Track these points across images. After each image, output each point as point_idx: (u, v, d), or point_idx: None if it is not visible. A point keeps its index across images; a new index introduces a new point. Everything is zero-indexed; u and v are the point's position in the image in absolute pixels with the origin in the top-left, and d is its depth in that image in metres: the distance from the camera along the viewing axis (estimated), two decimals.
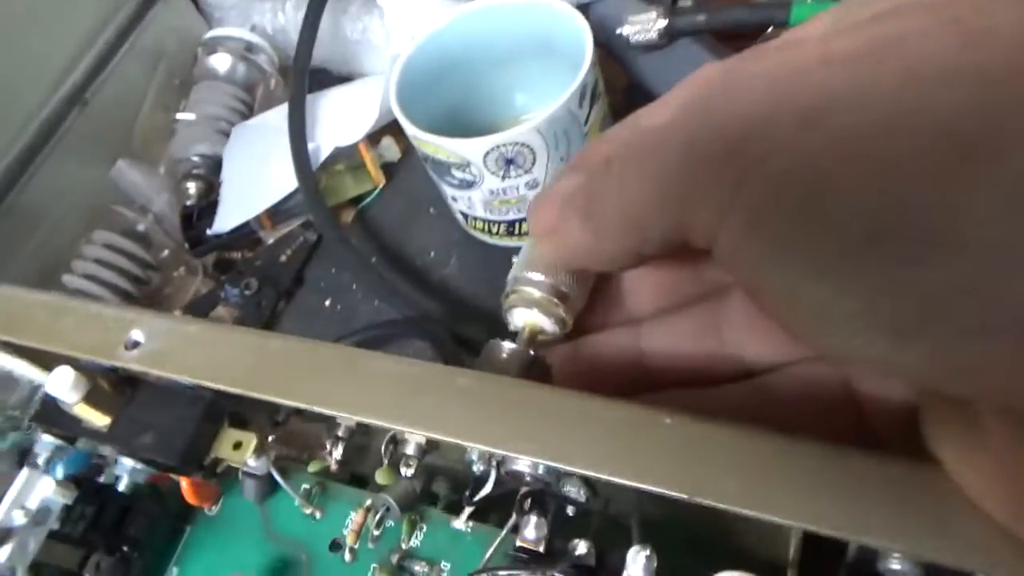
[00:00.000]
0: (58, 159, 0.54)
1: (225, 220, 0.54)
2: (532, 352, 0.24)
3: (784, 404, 0.24)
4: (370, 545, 0.34)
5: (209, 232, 0.54)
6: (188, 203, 0.57)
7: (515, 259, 0.26)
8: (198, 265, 0.57)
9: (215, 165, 0.58)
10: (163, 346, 0.24)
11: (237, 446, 0.28)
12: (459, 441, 0.19)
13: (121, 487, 0.29)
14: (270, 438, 0.30)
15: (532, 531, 0.26)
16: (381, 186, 0.57)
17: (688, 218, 0.18)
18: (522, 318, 0.25)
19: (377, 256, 0.55)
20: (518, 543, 0.27)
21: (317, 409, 0.21)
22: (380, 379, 0.21)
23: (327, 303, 0.55)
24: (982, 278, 0.13)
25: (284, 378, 0.22)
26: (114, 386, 0.26)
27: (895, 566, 0.19)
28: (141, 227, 0.56)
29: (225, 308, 0.54)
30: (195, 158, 0.58)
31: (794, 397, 0.24)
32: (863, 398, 0.23)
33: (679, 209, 0.18)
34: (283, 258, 0.55)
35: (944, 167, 0.13)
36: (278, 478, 0.31)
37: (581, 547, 0.25)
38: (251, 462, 0.28)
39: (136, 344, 0.24)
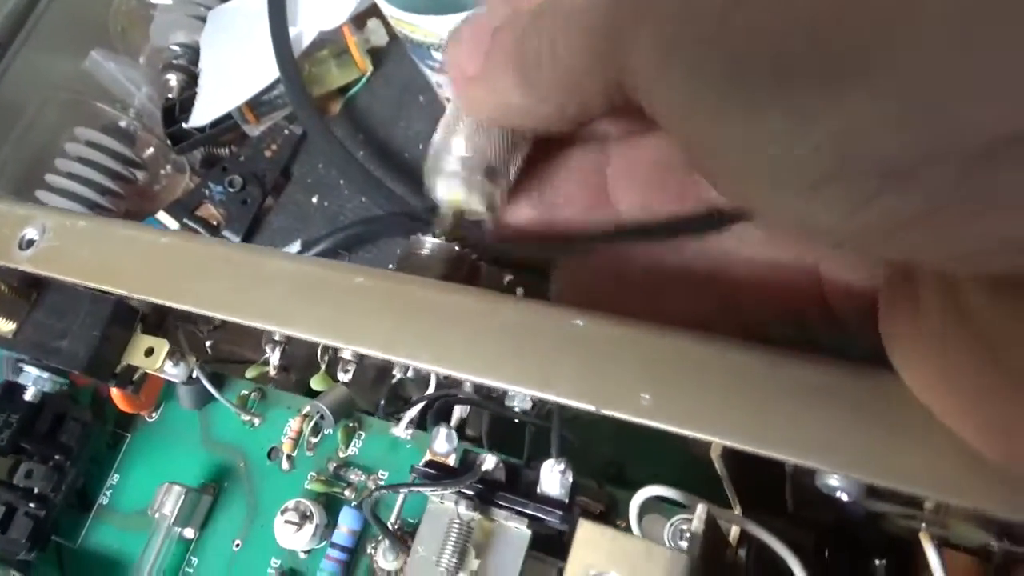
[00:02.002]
0: (30, 51, 0.51)
1: (203, 113, 0.51)
2: (457, 247, 0.21)
3: (747, 285, 0.21)
4: (308, 453, 0.33)
5: (186, 126, 0.51)
6: (169, 96, 0.54)
7: (440, 121, 0.23)
8: (184, 162, 0.55)
9: (197, 54, 0.55)
10: (58, 244, 0.22)
11: (149, 352, 0.26)
12: (344, 344, 0.17)
13: (28, 396, 0.28)
14: (207, 344, 0.28)
15: (442, 443, 0.24)
16: (368, 74, 0.54)
17: (622, 64, 0.15)
18: (446, 194, 0.22)
19: (364, 149, 0.52)
20: (427, 456, 0.25)
21: (201, 311, 0.19)
22: (275, 278, 0.19)
23: (314, 200, 0.52)
24: (910, 107, 0.11)
25: (174, 278, 0.20)
26: (16, 289, 0.24)
27: (834, 482, 0.17)
28: (123, 123, 0.54)
29: (210, 206, 0.53)
30: (174, 47, 0.55)
31: (758, 280, 0.21)
32: (826, 284, 0.20)
33: (614, 59, 0.16)
34: (268, 153, 0.53)
35: None
36: (208, 385, 0.30)
37: (489, 461, 0.23)
38: (169, 368, 0.27)
39: (31, 243, 0.22)
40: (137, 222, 0.23)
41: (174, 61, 0.54)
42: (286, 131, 0.53)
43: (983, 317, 0.13)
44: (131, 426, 0.36)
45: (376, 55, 0.54)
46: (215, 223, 0.52)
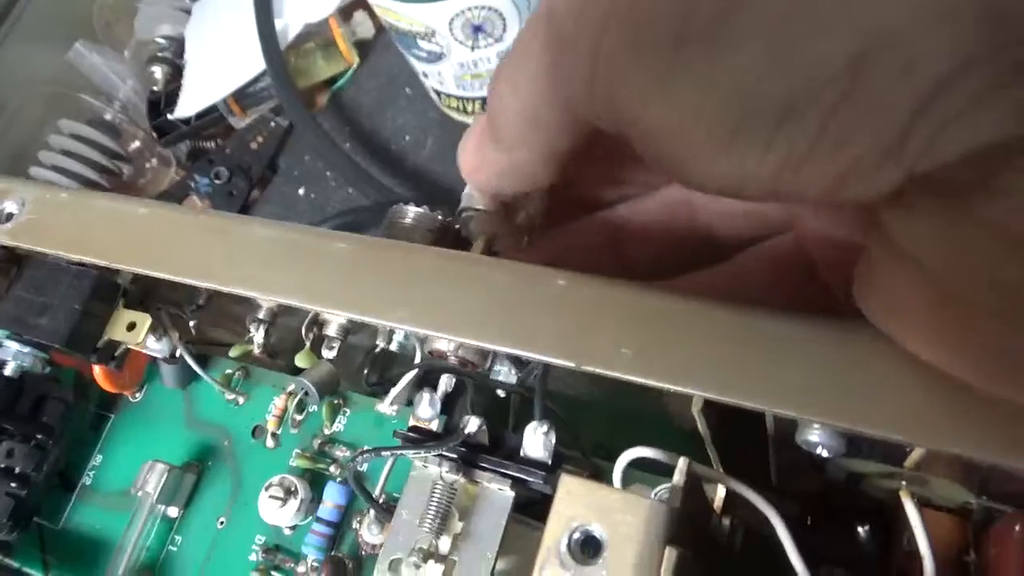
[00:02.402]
0: (14, 43, 0.51)
1: (187, 105, 0.51)
2: (441, 216, 0.21)
3: (753, 284, 0.22)
4: (293, 431, 0.33)
5: (171, 117, 0.51)
6: (155, 88, 0.54)
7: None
8: (170, 155, 0.55)
9: (182, 47, 0.55)
10: (37, 217, 0.22)
11: (131, 327, 0.26)
12: (322, 308, 0.17)
13: (8, 371, 0.28)
14: (191, 323, 0.28)
15: (426, 409, 0.24)
16: (355, 66, 0.54)
17: (574, 85, 0.17)
18: (478, 229, 0.23)
19: (351, 141, 0.52)
20: (411, 422, 0.25)
21: (180, 279, 0.19)
22: (254, 245, 0.19)
23: (301, 191, 0.52)
24: (772, 55, 0.12)
25: (153, 247, 0.20)
26: None
27: (813, 437, 0.17)
28: (108, 116, 0.53)
29: (196, 199, 0.52)
30: (160, 40, 0.55)
31: (763, 276, 0.22)
32: (815, 257, 0.21)
33: (565, 87, 0.17)
34: (254, 145, 0.53)
35: None
36: (191, 362, 0.29)
37: (472, 424, 0.23)
38: (152, 344, 0.27)
39: (10, 216, 0.22)
40: (117, 194, 0.23)
41: (159, 54, 0.54)
42: (272, 123, 0.53)
43: (903, 241, 0.14)
44: (114, 407, 0.36)
45: (362, 47, 0.54)
46: None
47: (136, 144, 0.55)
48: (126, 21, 0.55)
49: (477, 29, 0.42)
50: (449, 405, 0.27)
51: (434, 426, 0.24)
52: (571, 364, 0.16)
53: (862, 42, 0.12)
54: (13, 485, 0.30)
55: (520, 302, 0.17)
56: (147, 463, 0.31)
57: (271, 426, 0.32)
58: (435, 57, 0.45)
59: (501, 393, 0.26)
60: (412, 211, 0.21)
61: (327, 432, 0.32)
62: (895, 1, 0.11)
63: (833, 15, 0.12)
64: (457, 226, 0.22)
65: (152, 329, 0.26)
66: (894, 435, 0.14)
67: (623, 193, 0.25)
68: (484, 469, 0.22)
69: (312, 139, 0.49)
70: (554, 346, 0.16)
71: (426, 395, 0.24)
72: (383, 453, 0.24)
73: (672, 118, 0.14)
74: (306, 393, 0.29)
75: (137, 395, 0.35)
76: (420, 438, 0.24)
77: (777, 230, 0.23)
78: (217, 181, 0.51)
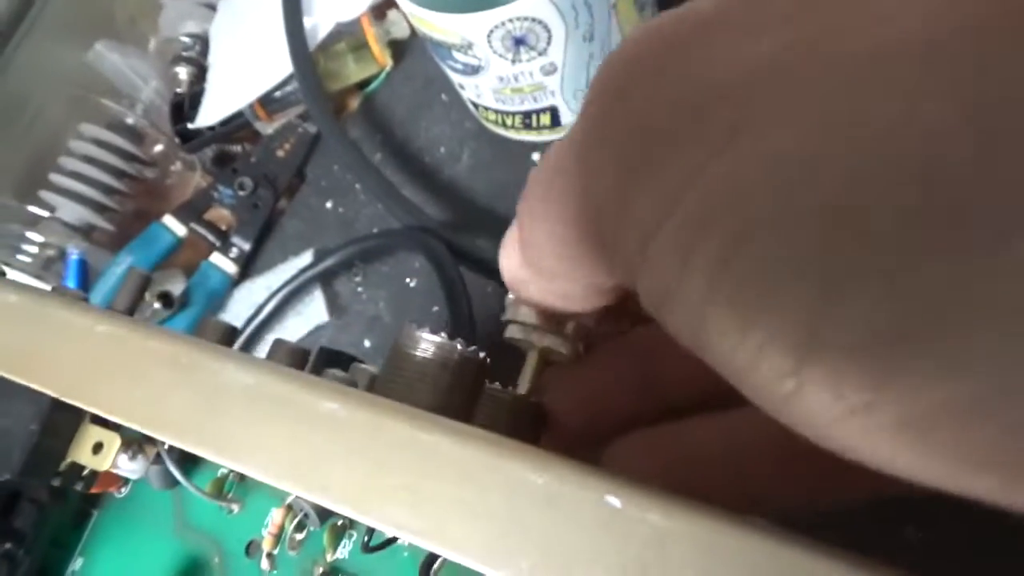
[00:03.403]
0: (33, 42, 0.48)
1: (210, 112, 0.48)
2: (461, 347, 0.18)
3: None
4: (291, 552, 0.29)
5: (190, 126, 0.48)
6: (178, 91, 0.51)
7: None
8: (195, 160, 0.52)
9: (207, 45, 0.52)
10: None
11: (98, 448, 0.23)
12: (303, 494, 0.14)
13: None
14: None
15: None
16: (388, 68, 0.50)
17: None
18: (526, 339, 0.20)
19: (381, 151, 0.49)
20: None
21: (131, 425, 0.16)
22: (223, 393, 0.16)
23: (328, 205, 0.49)
24: None
25: (107, 379, 0.16)
26: None
27: None
28: (130, 120, 0.51)
29: (220, 210, 0.50)
30: (184, 38, 0.51)
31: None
32: None
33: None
34: (281, 153, 0.50)
35: None
36: (174, 470, 0.26)
37: None
38: (124, 464, 0.24)
39: None
40: (79, 301, 0.20)
41: (184, 53, 0.51)
42: (300, 129, 0.50)
43: None
44: (98, 502, 0.33)
45: (397, 48, 0.50)
46: (224, 227, 0.49)
47: (159, 147, 0.52)
48: (151, 17, 0.52)
49: (519, 42, 0.38)
50: None
51: None
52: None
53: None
54: None
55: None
56: None
57: (267, 545, 0.29)
58: (472, 70, 0.41)
59: None
60: (426, 340, 0.17)
61: (329, 559, 0.28)
62: None
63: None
64: (483, 354, 0.18)
65: (124, 447, 0.23)
66: None
67: None
68: None
69: (340, 150, 0.45)
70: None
71: None
72: None
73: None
74: (306, 515, 0.26)
75: (123, 489, 0.32)
76: None
77: None
78: (241, 192, 0.48)
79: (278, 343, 0.23)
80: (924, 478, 0.11)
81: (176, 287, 0.48)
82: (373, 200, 0.47)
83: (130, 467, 0.24)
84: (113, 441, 0.23)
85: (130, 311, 0.25)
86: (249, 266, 0.49)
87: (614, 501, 0.12)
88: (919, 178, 0.10)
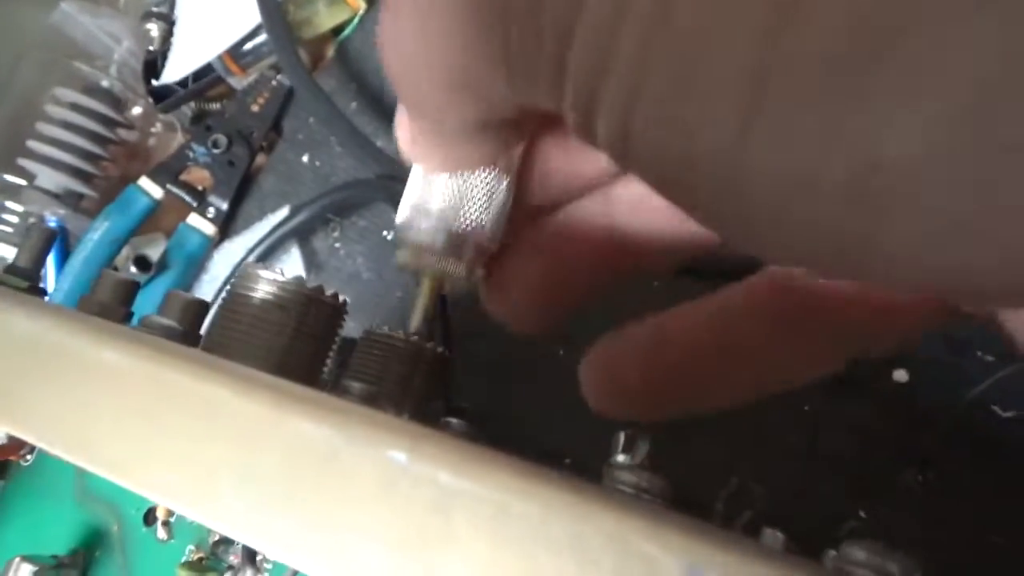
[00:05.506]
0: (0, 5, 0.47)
1: (177, 66, 0.46)
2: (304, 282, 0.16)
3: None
4: (189, 520, 0.28)
5: (157, 83, 0.47)
6: (150, 48, 0.50)
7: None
8: (174, 121, 0.51)
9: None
10: None
11: None
12: (65, 457, 0.12)
13: None
14: None
15: None
16: (362, 12, 0.47)
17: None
18: (418, 261, 0.19)
19: (357, 100, 0.46)
20: None
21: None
22: (6, 344, 0.14)
23: (305, 159, 0.47)
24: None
25: (11, 383, 0.15)
26: None
27: None
28: (105, 82, 0.49)
29: (199, 170, 0.48)
30: None
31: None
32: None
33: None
34: (255, 107, 0.48)
35: None
36: None
37: None
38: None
39: None
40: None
41: (154, 8, 0.49)
42: (274, 82, 0.48)
43: None
44: (7, 472, 0.32)
45: None
46: (201, 188, 0.48)
47: (138, 109, 0.51)
48: None
49: None
50: None
51: None
52: None
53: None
54: None
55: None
56: (13, 560, 0.28)
57: (162, 513, 0.27)
58: None
59: None
60: (265, 279, 0.15)
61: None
62: None
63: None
64: (342, 297, 0.16)
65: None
66: None
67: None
68: None
69: (313, 103, 0.43)
70: None
71: None
72: None
73: None
74: None
75: (28, 457, 0.31)
76: None
77: None
78: (215, 150, 0.47)
79: (172, 295, 0.21)
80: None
81: (156, 251, 0.47)
82: (349, 152, 0.45)
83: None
84: None
85: (35, 269, 0.23)
86: (228, 226, 0.48)
87: (399, 457, 0.10)
88: None
